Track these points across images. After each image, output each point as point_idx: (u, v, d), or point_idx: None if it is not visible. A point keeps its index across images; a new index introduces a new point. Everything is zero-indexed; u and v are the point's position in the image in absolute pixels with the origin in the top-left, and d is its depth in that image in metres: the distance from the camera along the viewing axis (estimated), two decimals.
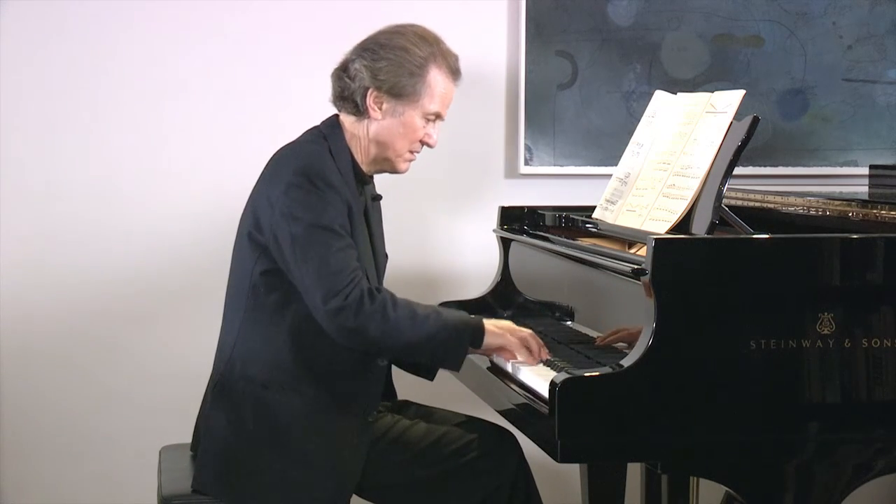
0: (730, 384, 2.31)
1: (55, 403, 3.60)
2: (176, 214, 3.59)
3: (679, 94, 2.90)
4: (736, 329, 2.31)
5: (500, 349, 2.70)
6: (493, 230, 3.34)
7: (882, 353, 2.36)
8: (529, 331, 2.73)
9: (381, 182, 3.71)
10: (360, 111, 2.76)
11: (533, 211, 3.31)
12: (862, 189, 3.57)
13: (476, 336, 2.67)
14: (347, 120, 2.79)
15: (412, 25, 2.82)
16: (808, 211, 2.83)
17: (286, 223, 2.63)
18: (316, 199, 2.63)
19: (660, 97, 2.96)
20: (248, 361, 2.70)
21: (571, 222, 3.11)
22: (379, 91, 2.73)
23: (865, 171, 3.72)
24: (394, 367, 2.90)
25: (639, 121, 3.00)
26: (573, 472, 3.29)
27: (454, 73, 2.79)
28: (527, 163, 3.68)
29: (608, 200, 2.94)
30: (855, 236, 2.40)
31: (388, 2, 3.60)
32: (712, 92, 2.76)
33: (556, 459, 2.31)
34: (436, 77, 2.75)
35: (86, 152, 3.57)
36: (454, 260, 3.72)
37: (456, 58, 2.81)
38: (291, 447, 2.65)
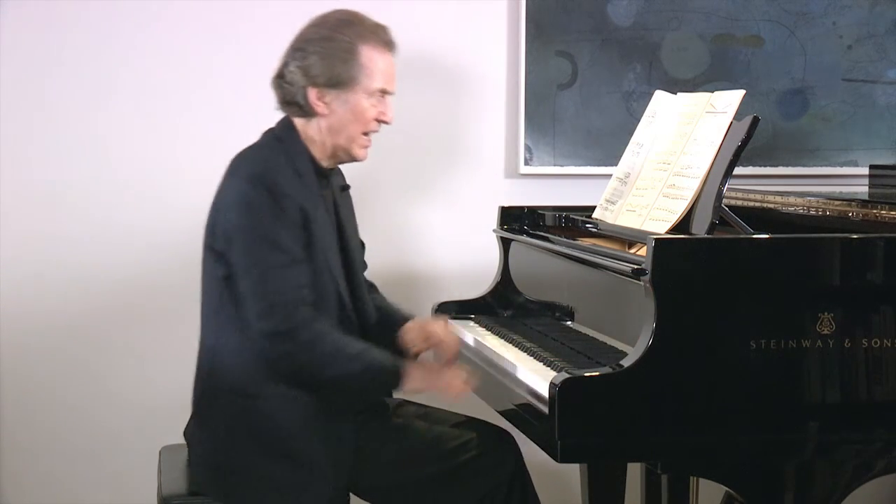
0: (730, 384, 2.31)
1: (55, 403, 3.60)
2: (177, 214, 3.59)
3: (679, 94, 2.90)
4: (736, 329, 2.31)
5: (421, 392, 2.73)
6: (493, 230, 3.34)
7: (882, 353, 2.36)
8: (456, 383, 2.70)
9: (382, 182, 3.71)
10: (306, 112, 2.75)
11: (533, 211, 3.30)
12: (862, 189, 3.57)
13: (396, 382, 2.67)
14: (299, 122, 2.78)
15: (334, 12, 2.80)
16: (808, 211, 2.83)
17: (234, 231, 2.64)
18: (265, 210, 2.62)
19: (660, 97, 2.96)
20: (227, 370, 2.69)
21: (571, 222, 3.11)
22: (318, 86, 2.72)
23: (865, 171, 3.72)
24: None
25: (639, 121, 2.99)
26: (573, 472, 3.29)
27: (386, 45, 2.76)
28: (527, 163, 3.68)
29: (608, 200, 2.94)
30: (855, 236, 2.40)
31: (389, 2, 3.60)
32: (712, 92, 2.76)
33: (556, 459, 2.31)
34: (368, 55, 2.72)
35: (87, 152, 3.57)
36: (454, 260, 3.72)
37: (385, 29, 2.78)
38: (281, 446, 2.65)
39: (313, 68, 2.71)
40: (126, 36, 3.56)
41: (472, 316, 3.23)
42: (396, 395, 2.74)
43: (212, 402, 2.72)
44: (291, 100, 2.75)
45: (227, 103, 3.59)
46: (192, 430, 2.75)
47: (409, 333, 2.86)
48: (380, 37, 2.75)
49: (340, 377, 2.63)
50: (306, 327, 2.60)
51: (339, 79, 2.71)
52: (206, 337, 2.75)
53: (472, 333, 3.06)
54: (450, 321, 3.19)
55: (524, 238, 3.18)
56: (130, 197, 3.58)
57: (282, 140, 2.76)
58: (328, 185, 2.82)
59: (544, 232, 3.16)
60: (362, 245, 3.00)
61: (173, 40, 3.58)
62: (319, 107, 2.73)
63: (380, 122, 2.78)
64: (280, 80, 2.78)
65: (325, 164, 2.79)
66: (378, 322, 2.87)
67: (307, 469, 2.64)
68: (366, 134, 2.78)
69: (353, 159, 2.81)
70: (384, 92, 2.76)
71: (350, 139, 2.76)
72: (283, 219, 2.63)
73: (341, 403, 2.70)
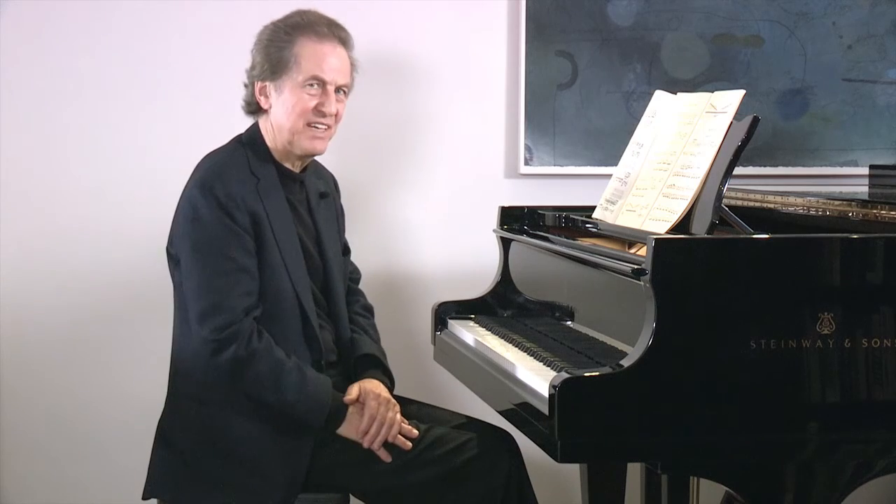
0: (729, 384, 2.31)
1: (55, 403, 3.60)
2: None
3: (679, 94, 2.90)
4: (736, 329, 2.31)
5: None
6: (493, 230, 3.34)
7: (882, 353, 2.35)
8: (391, 422, 2.68)
9: (381, 182, 3.71)
10: (254, 108, 2.80)
11: (533, 211, 3.30)
12: (862, 189, 3.57)
13: (332, 423, 2.67)
14: (260, 123, 2.81)
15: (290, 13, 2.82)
16: (808, 211, 2.83)
17: (182, 238, 2.67)
18: (211, 216, 2.63)
19: (660, 97, 2.96)
20: (186, 375, 2.73)
21: (571, 222, 3.11)
22: (259, 80, 2.76)
23: (865, 171, 3.72)
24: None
25: (639, 121, 2.99)
26: (573, 472, 3.29)
27: (326, 36, 2.76)
28: (527, 163, 3.68)
29: (608, 200, 2.94)
30: (855, 236, 2.40)
31: (388, 2, 3.60)
32: (712, 92, 2.76)
33: (556, 459, 2.31)
34: (304, 43, 2.73)
35: (86, 153, 3.57)
36: (454, 260, 3.72)
37: (330, 23, 2.78)
38: (236, 455, 2.66)
39: (254, 61, 2.77)
40: (126, 37, 3.56)
41: (472, 316, 3.23)
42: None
43: (172, 407, 2.76)
44: (247, 100, 2.81)
45: (229, 105, 3.58)
46: (156, 433, 2.78)
47: (351, 393, 2.76)
48: (322, 28, 2.76)
49: (274, 403, 2.64)
50: (245, 342, 2.60)
51: (274, 67, 2.74)
52: (173, 341, 2.79)
53: (472, 333, 3.05)
54: (451, 320, 3.19)
55: (524, 238, 3.17)
56: (130, 198, 3.58)
57: (245, 143, 2.78)
58: (301, 190, 2.81)
59: (544, 232, 3.15)
60: (347, 251, 3.00)
61: (174, 42, 3.57)
62: (262, 100, 2.77)
63: (321, 113, 2.75)
64: (245, 85, 2.83)
65: (289, 165, 2.80)
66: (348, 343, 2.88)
67: (260, 476, 2.65)
68: (311, 126, 2.75)
69: (308, 153, 2.81)
70: (319, 80, 2.74)
71: (293, 131, 2.75)
72: (229, 226, 2.64)
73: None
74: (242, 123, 2.88)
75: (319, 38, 2.74)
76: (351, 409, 2.70)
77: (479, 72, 3.68)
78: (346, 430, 2.69)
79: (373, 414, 2.68)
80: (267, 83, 2.75)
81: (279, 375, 2.62)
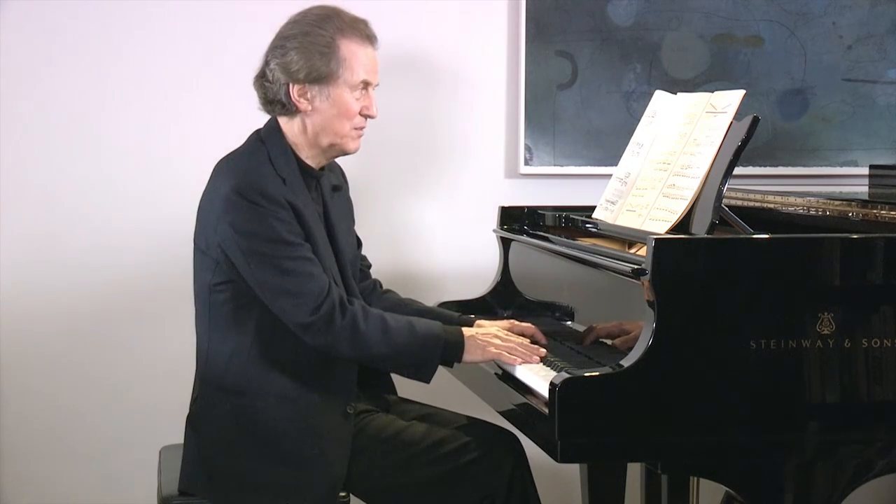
0: (730, 384, 2.31)
1: (55, 403, 3.60)
2: (176, 214, 3.58)
3: (679, 94, 2.90)
4: (736, 329, 2.31)
5: (486, 361, 2.71)
6: (493, 230, 3.34)
7: (882, 353, 2.36)
8: (517, 339, 2.71)
9: (382, 182, 3.71)
10: (289, 110, 2.73)
11: (533, 211, 3.31)
12: (862, 189, 3.58)
13: (450, 351, 2.67)
14: (284, 122, 2.76)
15: (313, 7, 2.78)
16: (808, 211, 2.83)
17: (235, 242, 2.62)
18: (258, 215, 2.61)
19: (660, 97, 2.96)
20: (220, 372, 2.70)
21: (571, 222, 3.11)
22: (299, 83, 2.70)
23: (865, 171, 3.72)
24: None
25: (639, 121, 2.99)
26: (573, 472, 3.29)
27: (366, 38, 2.75)
28: (527, 163, 3.68)
29: (608, 200, 2.94)
30: (855, 236, 2.40)
31: (388, 2, 3.60)
32: (712, 92, 2.76)
33: (556, 459, 2.31)
34: (348, 48, 2.71)
35: (86, 152, 3.56)
36: (454, 260, 3.72)
37: (364, 23, 2.77)
38: (277, 449, 2.65)
39: (293, 64, 2.70)
40: (125, 37, 3.56)
41: (472, 316, 3.23)
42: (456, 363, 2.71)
43: (205, 405, 2.73)
44: (274, 98, 2.74)
45: (227, 104, 3.59)
46: (187, 431, 2.76)
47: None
48: (359, 30, 2.74)
49: (387, 354, 2.64)
50: (342, 312, 2.60)
51: (320, 73, 2.69)
52: (200, 340, 2.76)
53: None
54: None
55: (524, 238, 3.18)
56: (130, 197, 3.58)
57: (265, 142, 2.75)
58: (317, 186, 2.81)
59: (544, 232, 3.16)
60: (359, 244, 3.00)
61: (172, 42, 3.57)
62: (302, 103, 2.72)
63: (365, 116, 2.76)
64: (261, 79, 2.77)
65: (313, 162, 2.78)
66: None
67: (299, 470, 2.64)
68: (355, 128, 2.75)
69: (345, 153, 2.79)
70: (366, 84, 2.74)
71: (338, 135, 2.73)
72: (278, 218, 2.62)
73: (338, 404, 2.70)
74: (249, 118, 2.86)
75: (362, 42, 2.73)
76: (468, 333, 2.70)
77: (479, 72, 3.68)
78: (472, 353, 2.68)
79: (494, 331, 2.73)
80: (309, 86, 2.72)
81: (385, 325, 2.63)
